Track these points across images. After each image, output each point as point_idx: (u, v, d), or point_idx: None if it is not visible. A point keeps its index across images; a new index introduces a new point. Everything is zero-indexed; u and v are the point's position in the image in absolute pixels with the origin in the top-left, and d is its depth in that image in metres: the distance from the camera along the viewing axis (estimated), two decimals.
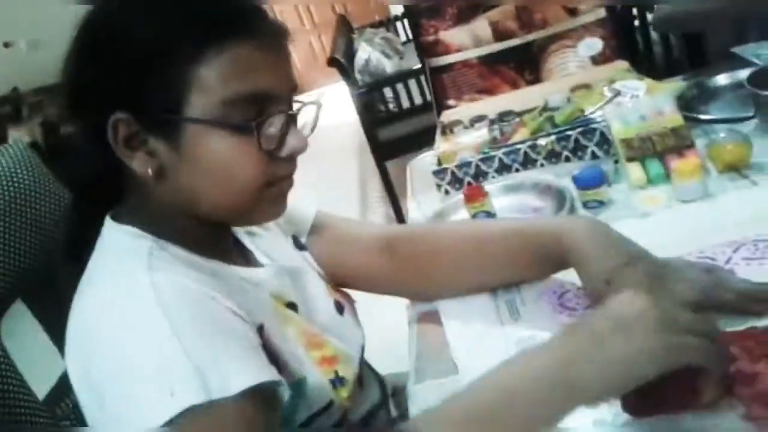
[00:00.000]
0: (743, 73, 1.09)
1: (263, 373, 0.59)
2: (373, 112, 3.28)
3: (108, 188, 0.71)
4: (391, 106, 3.29)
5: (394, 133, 3.21)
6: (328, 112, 5.42)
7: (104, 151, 0.65)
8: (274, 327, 0.71)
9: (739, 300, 0.68)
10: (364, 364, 0.88)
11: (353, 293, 0.93)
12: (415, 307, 0.91)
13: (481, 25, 1.34)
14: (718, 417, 0.58)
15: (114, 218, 0.70)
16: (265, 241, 0.83)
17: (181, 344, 0.57)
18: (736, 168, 0.94)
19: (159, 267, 0.63)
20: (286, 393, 0.67)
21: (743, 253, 0.77)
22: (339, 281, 0.91)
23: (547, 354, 0.57)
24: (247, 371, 0.58)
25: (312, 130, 0.73)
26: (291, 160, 0.69)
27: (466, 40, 1.35)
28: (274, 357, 0.68)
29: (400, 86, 3.24)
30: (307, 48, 6.43)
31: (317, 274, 0.88)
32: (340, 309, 0.87)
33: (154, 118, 0.64)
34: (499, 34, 1.35)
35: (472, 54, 1.35)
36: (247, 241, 0.82)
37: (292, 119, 0.68)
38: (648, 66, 2.15)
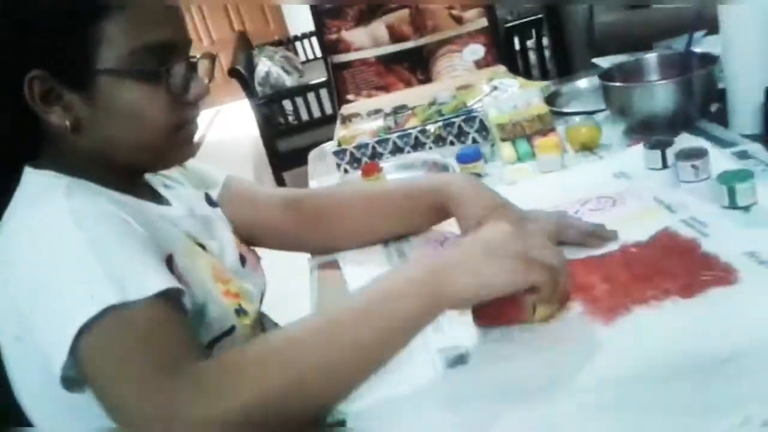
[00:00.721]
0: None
1: (170, 280, 0.65)
2: (272, 124, 3.38)
3: (26, 143, 0.75)
4: (290, 118, 3.41)
5: (292, 144, 3.32)
6: (228, 127, 5.48)
7: (20, 107, 0.70)
8: (183, 256, 0.77)
9: (580, 235, 0.84)
10: (263, 314, 0.96)
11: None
12: (316, 259, 1.02)
13: (378, 27, 1.49)
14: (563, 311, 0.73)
15: (33, 167, 0.74)
16: (178, 192, 0.91)
17: (96, 254, 0.62)
18: (589, 148, 1.13)
19: (76, 193, 0.69)
20: (189, 303, 0.70)
21: (589, 206, 0.94)
22: (247, 238, 1.00)
23: (421, 263, 0.68)
24: (160, 276, 0.64)
25: (209, 80, 0.81)
26: (195, 105, 0.77)
27: (365, 40, 1.50)
28: (182, 282, 0.72)
29: (299, 99, 3.36)
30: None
31: (227, 228, 0.97)
32: (242, 261, 0.95)
33: (67, 73, 0.69)
34: (395, 37, 1.50)
35: (370, 53, 1.49)
36: (161, 190, 0.89)
37: (193, 67, 0.76)
38: (524, 72, 2.41)
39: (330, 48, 1.49)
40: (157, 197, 0.86)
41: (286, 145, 3.34)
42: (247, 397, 0.56)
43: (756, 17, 0.97)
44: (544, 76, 2.42)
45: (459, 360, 0.70)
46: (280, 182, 3.35)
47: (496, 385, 0.65)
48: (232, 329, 0.79)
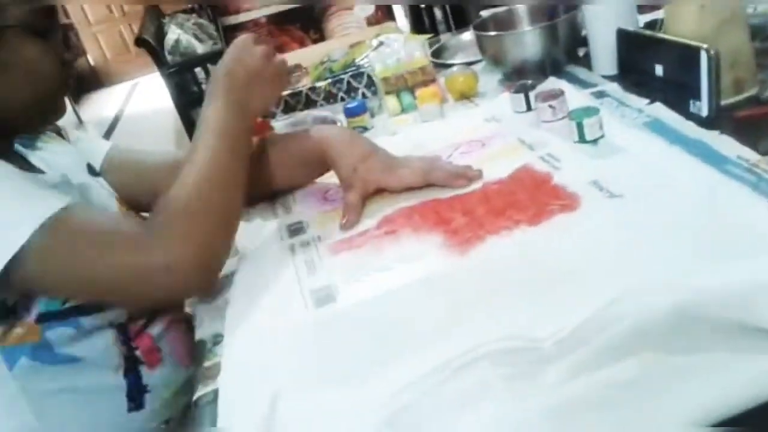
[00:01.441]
0: None
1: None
2: (185, 93, 3.32)
3: None
4: (203, 86, 3.35)
5: None
6: (144, 100, 5.34)
7: None
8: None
9: (447, 178, 0.89)
10: None
11: None
12: None
13: None
14: (423, 244, 0.78)
15: None
16: (53, 161, 0.90)
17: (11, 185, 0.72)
18: (467, 96, 1.18)
19: None
20: None
21: (460, 150, 1.00)
22: (135, 206, 1.01)
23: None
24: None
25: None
26: (72, 65, 0.84)
27: (255, 1, 1.50)
28: None
29: (212, 66, 3.31)
30: (117, 37, 6.22)
31: (112, 197, 0.96)
32: None
33: None
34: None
35: (260, 13, 1.50)
36: (34, 159, 0.88)
37: (66, 31, 0.83)
38: (430, 27, 2.43)
39: (220, 10, 1.49)
40: (28, 166, 0.86)
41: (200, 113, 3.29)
42: (196, 227, 0.75)
43: None
44: (449, 30, 2.45)
45: (328, 298, 0.75)
46: None
47: (362, 320, 0.70)
48: None
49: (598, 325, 0.57)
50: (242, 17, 1.48)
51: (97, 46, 6.22)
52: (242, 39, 0.91)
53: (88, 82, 6.22)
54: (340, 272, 0.78)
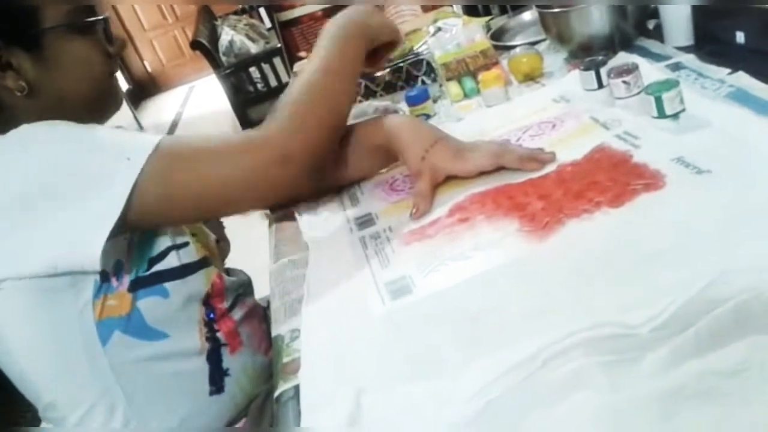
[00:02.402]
0: None
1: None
2: (241, 93, 3.37)
3: None
4: (259, 85, 3.39)
5: (265, 111, 3.30)
6: (201, 103, 5.46)
7: None
8: None
9: (519, 161, 0.86)
10: (229, 270, 1.00)
11: None
12: (274, 213, 1.04)
13: None
14: (499, 231, 0.75)
15: None
16: None
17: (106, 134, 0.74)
18: (532, 77, 1.14)
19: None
20: None
21: (530, 132, 0.96)
22: None
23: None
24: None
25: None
26: (118, 59, 0.87)
27: None
28: None
29: (266, 66, 3.34)
30: (172, 42, 6.36)
31: None
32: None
33: (15, 36, 0.74)
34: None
35: (315, 7, 1.49)
36: None
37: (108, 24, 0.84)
38: (470, 10, 2.38)
39: (276, 6, 1.49)
40: None
41: (257, 112, 3.34)
42: (306, 124, 0.81)
43: None
44: (503, 11, 2.40)
45: (404, 290, 0.73)
46: None
47: (441, 311, 0.68)
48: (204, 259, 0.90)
49: (699, 308, 0.53)
50: (297, 12, 1.48)
51: (152, 52, 6.37)
52: None
53: (147, 87, 6.38)
54: (415, 263, 0.77)
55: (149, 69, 6.45)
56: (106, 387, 0.78)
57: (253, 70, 3.37)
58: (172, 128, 5.25)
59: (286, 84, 3.29)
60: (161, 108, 5.97)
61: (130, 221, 0.71)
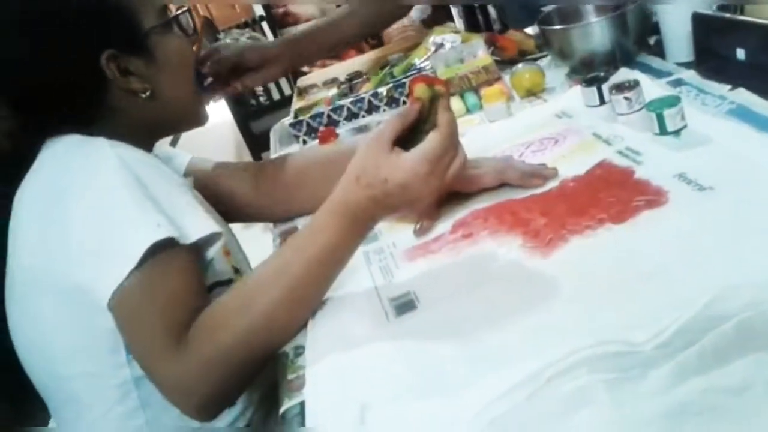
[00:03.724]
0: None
1: (215, 225, 0.75)
2: (244, 106, 3.38)
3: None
4: (261, 99, 3.40)
5: (267, 124, 3.30)
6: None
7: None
8: None
9: (521, 177, 0.87)
10: None
11: None
12: (278, 227, 1.05)
13: None
14: (502, 247, 0.76)
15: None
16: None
17: (149, 192, 0.71)
18: (534, 93, 1.15)
19: (119, 145, 0.76)
20: (220, 245, 0.80)
21: (532, 148, 0.97)
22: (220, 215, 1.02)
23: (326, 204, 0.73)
24: (206, 220, 0.75)
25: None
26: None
27: (313, 11, 1.51)
28: None
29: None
30: None
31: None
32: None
33: (128, 42, 0.79)
34: (342, 4, 1.51)
35: (319, 22, 1.50)
36: None
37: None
38: (472, 26, 2.40)
39: (280, 22, 1.50)
40: None
41: (260, 125, 3.34)
42: (221, 356, 0.68)
43: None
44: (506, 27, 2.42)
45: (408, 306, 0.73)
46: None
47: (446, 327, 0.68)
48: (229, 281, 0.86)
49: (702, 325, 0.54)
50: (301, 27, 1.49)
51: None
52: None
53: None
54: (419, 279, 0.77)
55: None
56: (125, 393, 0.78)
57: None
58: (175, 140, 5.25)
59: (289, 98, 3.31)
60: None
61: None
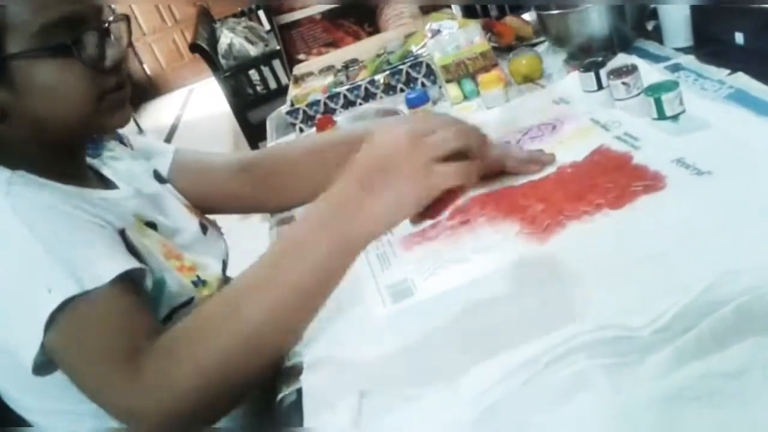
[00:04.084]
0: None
1: (129, 261, 0.67)
2: (241, 96, 3.36)
3: None
4: (258, 88, 3.39)
5: (264, 114, 3.29)
6: (200, 106, 5.40)
7: None
8: (134, 235, 0.77)
9: (518, 164, 0.86)
10: (228, 278, 0.98)
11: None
12: (275, 216, 1.04)
13: None
14: (500, 233, 0.76)
15: None
16: (125, 172, 0.90)
17: (46, 247, 0.64)
18: (531, 79, 1.14)
19: (16, 190, 0.68)
20: (150, 282, 0.73)
21: (530, 134, 0.96)
22: (203, 208, 0.99)
23: (321, 206, 0.62)
24: (113, 261, 0.66)
25: (127, 44, 0.79)
26: (116, 70, 0.76)
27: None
28: (137, 256, 0.74)
29: (265, 68, 3.34)
30: (171, 45, 6.36)
31: (180, 203, 0.95)
32: (204, 229, 0.95)
33: None
34: None
35: (315, 10, 1.49)
36: (106, 171, 0.88)
37: (105, 34, 0.75)
38: (468, 12, 2.38)
39: (275, 9, 1.49)
40: (102, 181, 0.86)
41: (257, 115, 3.32)
42: (185, 379, 0.59)
43: None
44: (502, 13, 2.40)
45: (406, 293, 0.73)
46: None
47: (443, 314, 0.68)
48: (190, 300, 0.81)
49: (700, 310, 0.53)
50: (297, 15, 1.48)
51: (152, 55, 6.37)
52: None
53: (146, 91, 6.38)
54: (416, 266, 0.77)
55: (148, 72, 6.45)
56: (104, 424, 0.76)
57: (252, 72, 3.36)
58: (172, 131, 5.25)
59: (286, 87, 3.29)
60: (161, 111, 5.97)
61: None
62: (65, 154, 0.79)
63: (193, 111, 5.66)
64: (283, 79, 3.31)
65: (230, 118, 3.66)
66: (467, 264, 0.73)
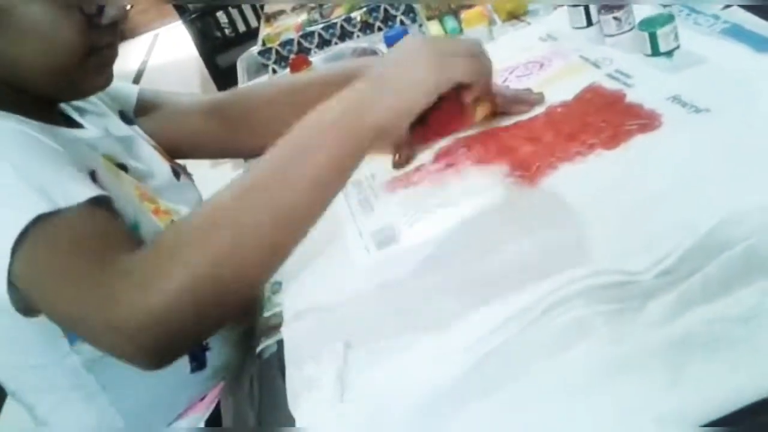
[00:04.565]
0: None
1: (101, 191, 0.62)
2: (208, 39, 3.25)
3: None
4: (227, 31, 3.27)
5: (233, 57, 3.19)
6: (165, 52, 5.26)
7: None
8: (106, 176, 0.73)
9: (506, 103, 0.82)
10: None
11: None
12: (248, 163, 0.99)
13: None
14: (488, 177, 0.72)
15: None
16: (91, 115, 0.84)
17: (16, 169, 0.59)
18: (516, 15, 1.09)
19: None
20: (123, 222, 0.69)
21: (516, 73, 0.92)
22: (172, 152, 0.95)
23: (333, 102, 0.59)
24: (85, 186, 0.61)
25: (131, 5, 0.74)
26: (112, 29, 0.70)
27: None
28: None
29: (234, 11, 3.22)
30: None
31: (150, 145, 0.91)
32: (176, 174, 0.91)
33: None
34: None
35: None
36: (74, 115, 0.84)
37: None
38: None
39: None
40: (69, 122, 0.81)
41: (226, 59, 3.22)
42: (180, 278, 0.53)
43: None
44: None
45: (390, 240, 0.70)
46: None
47: (430, 260, 0.65)
48: None
49: (706, 252, 0.51)
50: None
51: None
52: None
53: None
54: (400, 211, 0.73)
55: None
56: (79, 379, 0.73)
57: (220, 14, 3.24)
58: (138, 77, 5.08)
59: (255, 30, 3.18)
60: (125, 57, 5.76)
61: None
62: (36, 98, 0.72)
63: (160, 56, 5.48)
64: (253, 22, 3.20)
65: (198, 62, 3.54)
66: (454, 208, 0.70)
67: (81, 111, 0.84)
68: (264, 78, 1.27)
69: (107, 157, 0.78)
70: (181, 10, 3.20)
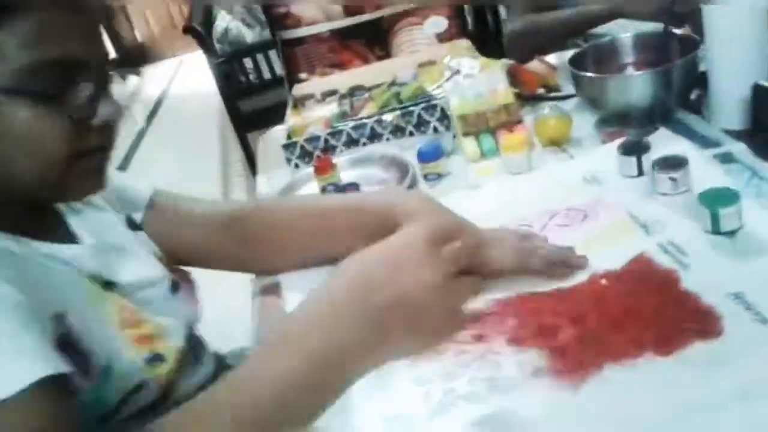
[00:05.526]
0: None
1: (47, 365, 0.54)
2: (233, 83, 3.21)
3: None
4: (251, 77, 3.23)
5: (255, 104, 3.15)
6: (188, 80, 5.23)
7: None
8: (80, 310, 0.67)
9: (546, 265, 0.75)
10: (196, 340, 0.86)
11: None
12: (259, 281, 0.92)
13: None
14: (522, 368, 0.64)
15: None
16: (92, 220, 0.79)
17: None
18: (557, 143, 1.03)
19: None
20: (84, 381, 0.63)
21: (557, 221, 0.85)
22: (178, 259, 0.88)
23: (315, 348, 0.55)
24: (37, 362, 0.54)
25: (132, 100, 0.70)
26: (105, 131, 0.65)
27: (317, 14, 1.36)
28: (76, 345, 0.64)
29: (260, 57, 3.18)
30: (165, 14, 6.14)
31: (151, 254, 0.84)
32: (175, 287, 0.83)
33: None
34: (350, 10, 1.37)
35: (323, 28, 1.36)
36: (73, 220, 0.77)
37: (103, 87, 0.64)
38: (496, 47, 2.26)
39: (279, 23, 1.36)
40: (62, 231, 0.74)
41: (248, 104, 3.18)
42: None
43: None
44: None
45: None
46: (244, 143, 3.20)
47: None
48: (140, 387, 0.69)
49: None
50: (303, 31, 1.35)
51: (144, 21, 6.16)
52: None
53: (135, 58, 6.18)
54: (421, 391, 0.65)
55: (140, 39, 6.24)
56: None
57: (246, 60, 3.20)
58: (157, 106, 5.07)
59: (280, 78, 3.14)
60: (148, 81, 5.76)
61: None
62: (22, 203, 0.68)
63: (181, 85, 5.48)
64: (278, 70, 3.17)
65: (218, 99, 3.51)
66: (482, 405, 0.62)
67: (77, 211, 0.78)
68: (285, 170, 1.21)
69: (92, 277, 0.72)
70: (209, 51, 3.17)
